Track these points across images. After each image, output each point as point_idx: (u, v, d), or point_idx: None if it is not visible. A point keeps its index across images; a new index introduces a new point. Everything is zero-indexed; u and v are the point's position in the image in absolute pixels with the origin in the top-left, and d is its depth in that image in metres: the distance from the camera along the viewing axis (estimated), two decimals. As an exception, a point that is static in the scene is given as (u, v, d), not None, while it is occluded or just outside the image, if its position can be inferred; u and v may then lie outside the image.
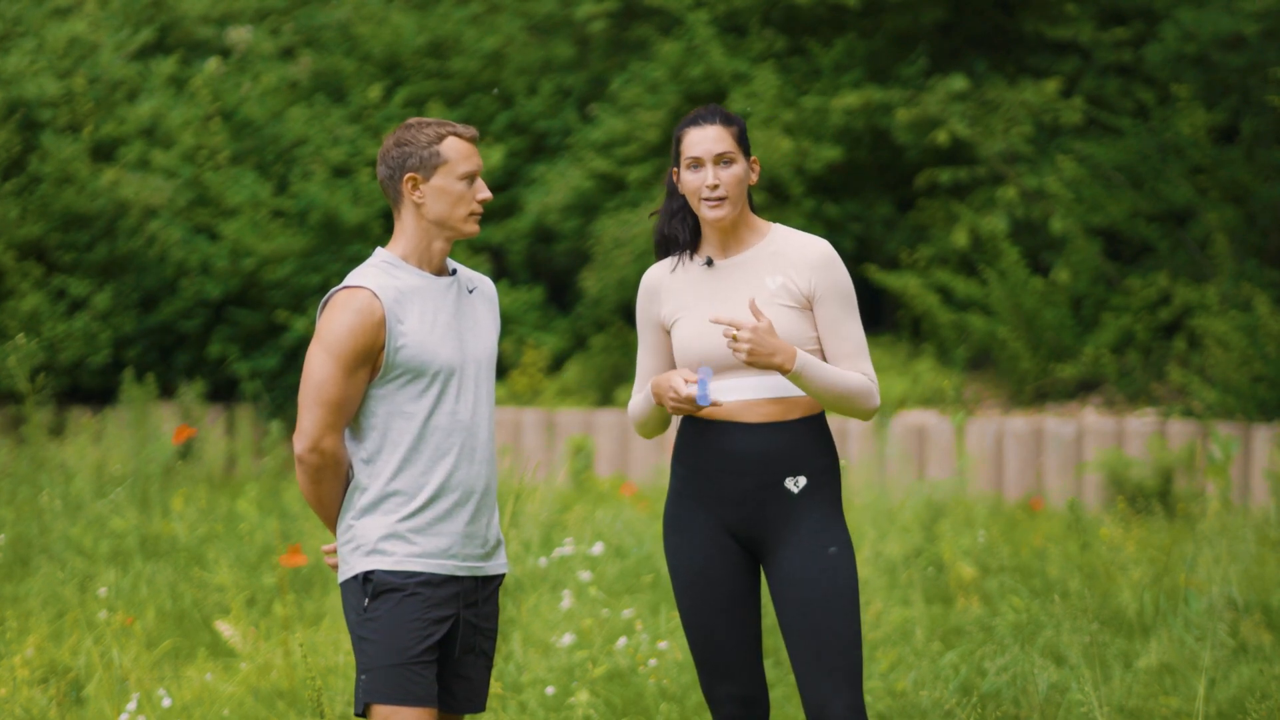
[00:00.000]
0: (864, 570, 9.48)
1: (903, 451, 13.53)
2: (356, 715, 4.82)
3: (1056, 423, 13.90)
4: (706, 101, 16.21)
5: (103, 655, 7.66)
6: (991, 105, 15.61)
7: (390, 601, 4.77)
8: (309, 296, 16.35)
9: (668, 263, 5.18)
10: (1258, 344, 13.56)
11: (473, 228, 4.90)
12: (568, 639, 7.64)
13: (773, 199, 15.79)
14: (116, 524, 10.40)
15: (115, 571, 9.40)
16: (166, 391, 15.96)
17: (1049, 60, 16.03)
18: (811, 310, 5.07)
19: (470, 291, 4.96)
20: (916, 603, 8.82)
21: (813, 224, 15.62)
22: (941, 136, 15.36)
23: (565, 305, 17.36)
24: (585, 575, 8.78)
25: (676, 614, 8.41)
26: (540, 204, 16.65)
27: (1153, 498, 12.79)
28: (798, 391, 5.02)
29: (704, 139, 5.04)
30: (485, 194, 4.88)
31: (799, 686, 5.00)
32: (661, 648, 7.57)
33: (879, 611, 8.69)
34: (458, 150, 4.86)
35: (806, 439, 5.04)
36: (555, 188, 16.64)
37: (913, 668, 7.58)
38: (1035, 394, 14.81)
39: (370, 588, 4.78)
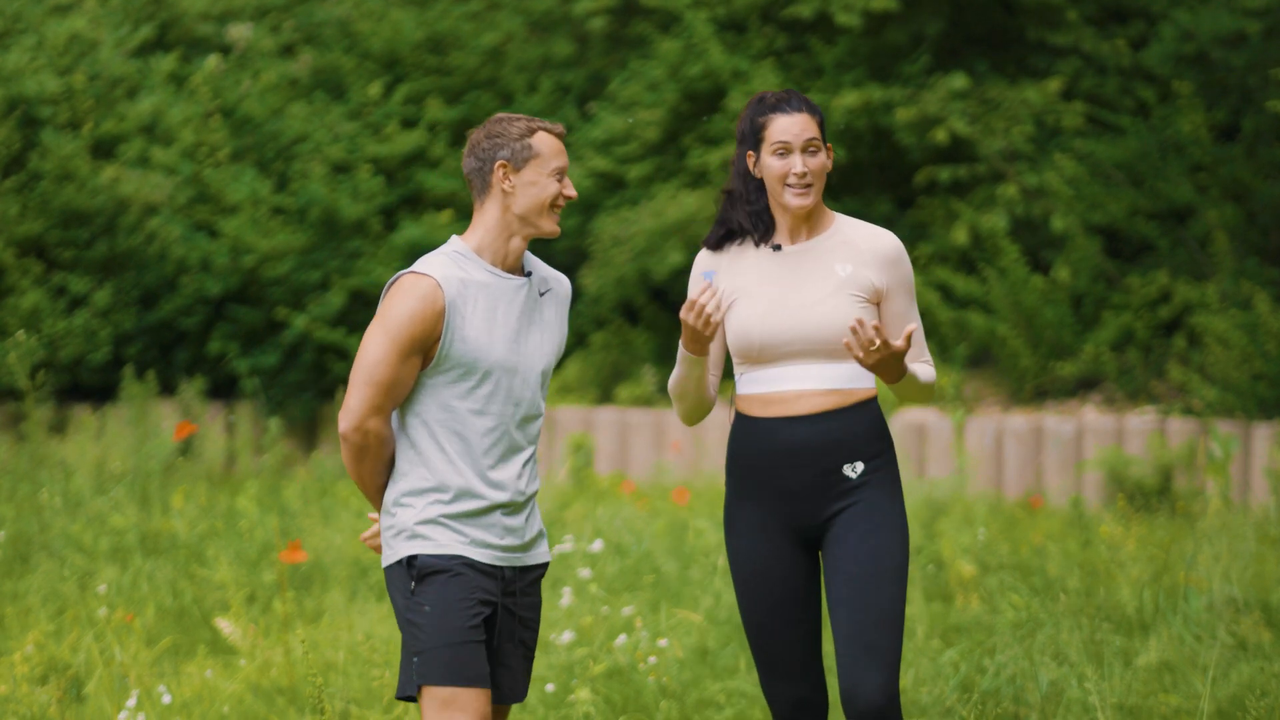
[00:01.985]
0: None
1: (902, 449, 13.51)
2: (401, 699, 4.82)
3: (1056, 421, 13.89)
4: (706, 100, 16.20)
5: (103, 652, 7.66)
6: (992, 104, 15.60)
7: (437, 583, 4.78)
8: (309, 293, 16.34)
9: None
10: (1258, 342, 13.55)
11: (553, 226, 4.87)
12: (567, 636, 7.63)
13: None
14: (116, 521, 10.40)
15: (115, 568, 9.40)
16: (166, 388, 15.95)
17: (1049, 60, 16.02)
18: (878, 305, 5.08)
19: (543, 294, 4.94)
20: (916, 600, 8.82)
21: (813, 222, 15.59)
22: (941, 134, 15.35)
23: (565, 303, 17.37)
24: (585, 573, 8.78)
25: (676, 611, 8.42)
26: (540, 201, 16.64)
27: (1152, 496, 12.79)
28: (852, 383, 5.03)
29: (793, 125, 5.02)
30: (571, 191, 4.87)
31: (837, 668, 4.97)
32: (661, 645, 7.56)
33: (879, 609, 8.68)
34: (549, 145, 4.85)
35: (862, 425, 5.04)
36: (555, 185, 16.64)
37: (912, 665, 7.58)
38: (1035, 392, 14.80)
39: (415, 571, 4.79)
